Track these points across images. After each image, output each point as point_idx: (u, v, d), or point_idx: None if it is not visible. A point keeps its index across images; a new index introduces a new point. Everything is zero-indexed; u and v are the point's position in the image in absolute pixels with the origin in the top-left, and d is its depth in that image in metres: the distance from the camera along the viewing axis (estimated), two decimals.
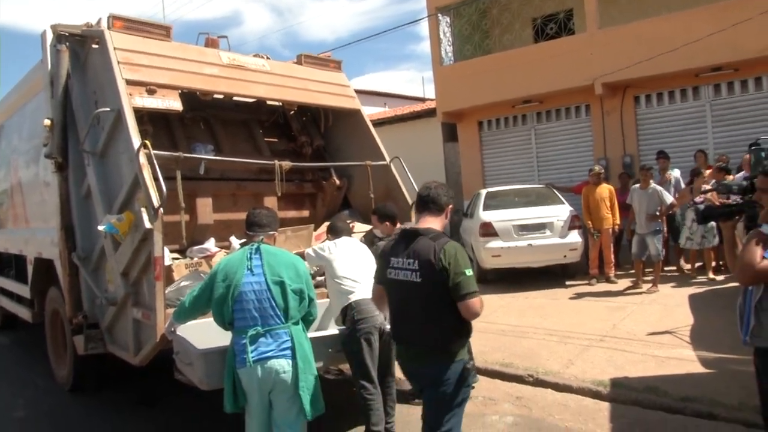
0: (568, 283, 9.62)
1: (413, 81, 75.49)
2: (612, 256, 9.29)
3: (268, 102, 6.35)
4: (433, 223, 3.08)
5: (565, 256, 9.36)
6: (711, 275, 8.74)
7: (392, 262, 3.04)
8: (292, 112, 6.57)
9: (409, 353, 3.05)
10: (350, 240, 4.71)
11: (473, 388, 5.17)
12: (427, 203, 3.10)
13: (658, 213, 8.29)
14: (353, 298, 4.25)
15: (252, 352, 3.33)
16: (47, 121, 5.25)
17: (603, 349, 6.20)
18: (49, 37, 5.34)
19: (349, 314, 4.21)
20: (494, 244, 9.27)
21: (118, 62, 4.66)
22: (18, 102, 6.91)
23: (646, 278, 8.81)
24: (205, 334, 4.22)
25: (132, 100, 4.56)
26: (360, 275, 4.38)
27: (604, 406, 4.96)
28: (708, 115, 11.22)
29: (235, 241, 5.62)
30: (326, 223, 6.02)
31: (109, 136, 4.73)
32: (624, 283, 9.07)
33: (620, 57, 11.02)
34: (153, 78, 4.78)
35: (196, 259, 5.24)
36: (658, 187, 8.36)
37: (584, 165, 12.50)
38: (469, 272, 2.87)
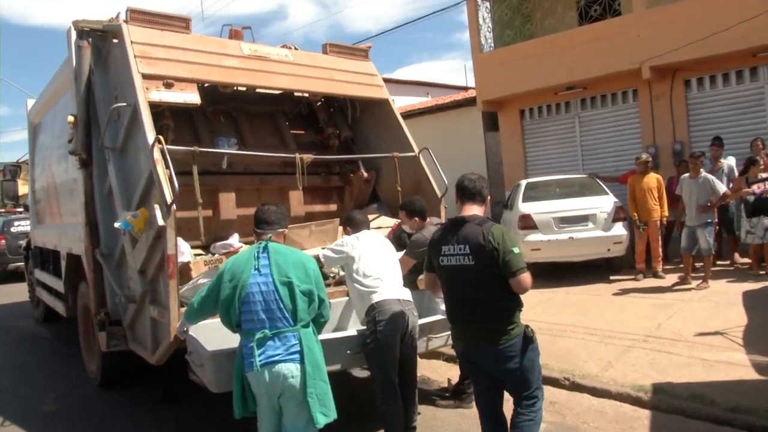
0: (612, 278, 9.18)
1: (457, 70, 74.62)
2: (660, 250, 8.79)
3: (295, 93, 6.19)
4: (478, 211, 3.35)
5: (609, 250, 8.92)
6: None
7: (443, 250, 3.27)
8: (319, 103, 6.40)
9: (471, 334, 3.26)
10: (372, 233, 4.50)
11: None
12: (473, 194, 3.37)
13: (709, 204, 7.78)
14: (376, 298, 4.05)
15: (259, 355, 3.19)
16: (71, 118, 5.24)
17: (646, 351, 5.83)
18: (73, 33, 5.31)
19: (371, 315, 4.01)
20: (534, 237, 8.91)
21: (135, 56, 4.58)
22: (50, 100, 6.99)
23: (696, 274, 8.32)
24: (218, 334, 4.12)
25: (148, 95, 4.47)
26: (384, 273, 4.18)
27: (644, 414, 4.63)
28: (767, 98, 10.51)
29: None
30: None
31: (128, 132, 4.67)
32: (672, 278, 8.58)
33: (669, 38, 10.42)
34: (170, 71, 4.68)
35: (217, 255, 5.15)
36: (710, 176, 7.83)
37: (631, 153, 11.92)
38: (517, 250, 3.16)
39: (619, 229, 8.86)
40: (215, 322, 4.10)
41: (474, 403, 4.96)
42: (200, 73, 4.85)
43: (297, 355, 3.24)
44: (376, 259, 4.23)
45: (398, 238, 5.03)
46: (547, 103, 13.03)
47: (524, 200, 9.41)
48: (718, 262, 8.98)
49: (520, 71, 12.45)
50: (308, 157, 4.97)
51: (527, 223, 8.92)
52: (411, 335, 4.10)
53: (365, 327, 4.07)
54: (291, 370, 3.22)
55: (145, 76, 4.51)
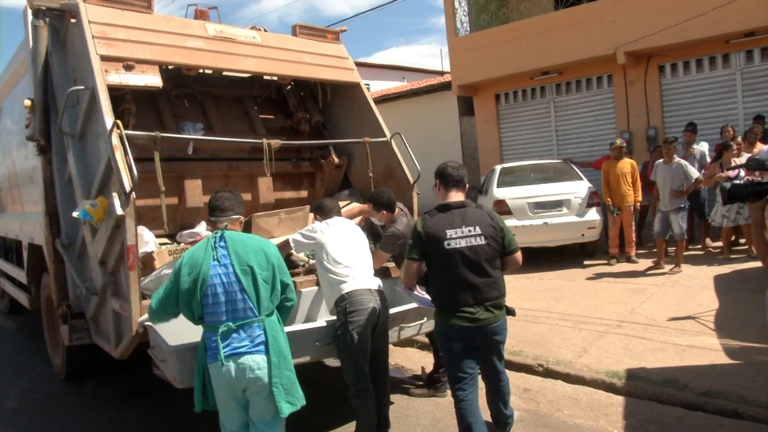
0: (586, 263, 9.21)
1: (434, 55, 74.35)
2: (633, 235, 8.83)
3: (263, 77, 6.00)
4: (463, 198, 3.55)
5: (583, 235, 8.92)
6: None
7: (449, 234, 3.37)
8: (289, 87, 6.21)
9: (475, 313, 3.38)
10: (344, 221, 4.38)
11: None
12: (457, 182, 3.55)
13: (683, 189, 7.81)
14: (347, 288, 3.93)
15: (224, 348, 3.07)
16: (27, 102, 5.00)
17: (619, 336, 5.84)
18: (30, 13, 5.06)
19: (341, 305, 3.90)
20: (508, 222, 8.68)
21: (93, 36, 4.35)
22: (9, 82, 6.68)
23: (668, 258, 8.36)
24: (180, 325, 3.98)
25: (107, 77, 4.25)
26: (355, 261, 4.06)
27: (618, 401, 4.61)
28: (738, 85, 10.58)
29: None
30: (356, 205, 5.73)
31: (87, 117, 4.45)
32: (645, 263, 8.63)
33: (644, 24, 10.45)
34: (131, 53, 4.46)
35: (183, 244, 4.98)
36: (683, 162, 7.85)
37: (606, 138, 11.96)
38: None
39: (593, 215, 8.86)
40: None
41: (447, 392, 5.01)
42: (162, 55, 4.64)
43: (262, 346, 3.14)
44: (347, 247, 4.12)
45: (369, 227, 4.90)
46: (523, 87, 12.98)
47: (499, 185, 9.37)
48: (690, 247, 9.05)
49: (496, 56, 12.37)
50: (276, 142, 4.80)
51: (502, 209, 8.86)
52: (382, 326, 4.01)
53: (335, 317, 3.97)
54: (257, 361, 3.11)
55: (104, 58, 4.30)
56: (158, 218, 4.74)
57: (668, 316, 6.26)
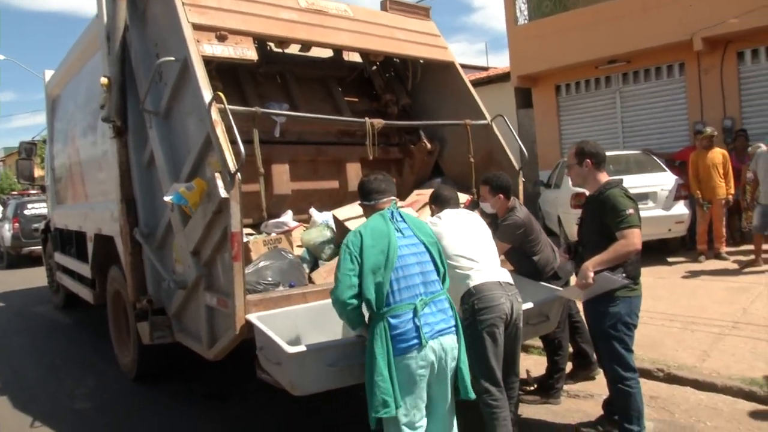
0: (670, 260, 8.59)
1: (464, 54, 73.72)
2: (724, 230, 8.20)
3: (348, 57, 5.56)
4: None
5: (669, 230, 8.31)
6: None
7: None
8: (375, 67, 5.75)
9: None
10: (458, 211, 3.87)
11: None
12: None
13: None
14: (472, 282, 3.44)
15: (425, 326, 2.81)
16: (104, 80, 4.62)
17: (741, 339, 5.26)
18: None
19: (468, 302, 3.40)
20: None
21: (183, 4, 3.95)
22: (74, 66, 6.36)
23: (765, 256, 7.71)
24: (293, 324, 3.57)
25: (200, 48, 3.84)
26: (478, 253, 3.56)
27: (765, 411, 4.05)
28: None
29: (316, 214, 4.92)
30: (417, 192, 5.25)
31: (174, 92, 4.05)
32: (736, 260, 8.00)
33: (723, 7, 9.76)
34: (223, 22, 4.05)
35: (274, 234, 4.57)
36: None
37: (676, 130, 11.34)
38: None
39: (681, 208, 8.26)
40: (287, 311, 3.59)
41: (561, 399, 4.51)
42: (256, 26, 4.21)
43: (453, 326, 2.98)
44: (468, 238, 3.62)
45: None
46: (586, 78, 12.37)
47: None
48: None
49: (558, 44, 11.78)
50: (379, 122, 4.33)
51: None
52: (515, 325, 3.51)
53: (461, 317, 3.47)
54: (454, 342, 2.97)
55: (196, 27, 3.89)
56: (244, 205, 4.31)
57: None
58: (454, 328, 2.98)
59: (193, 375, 5.47)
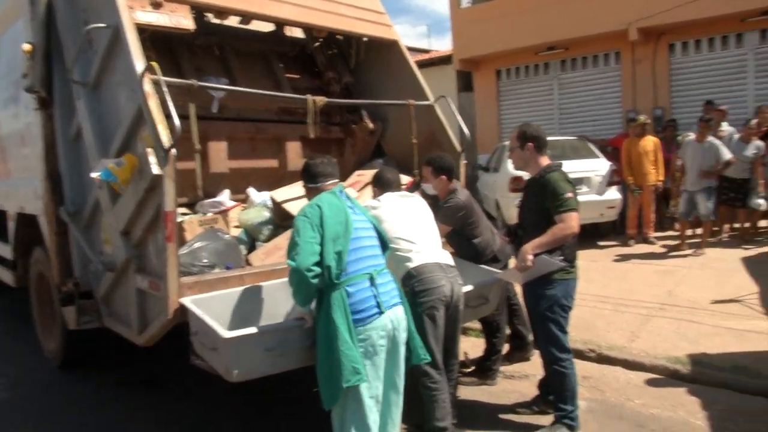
0: (601, 244, 8.88)
1: (406, 36, 73.46)
2: (652, 215, 8.54)
3: (290, 32, 5.39)
4: None
5: (602, 215, 8.58)
6: None
7: None
8: (317, 44, 5.60)
9: None
10: (399, 194, 3.83)
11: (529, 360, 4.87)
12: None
13: (713, 170, 7.49)
14: (412, 264, 3.43)
15: (381, 295, 2.89)
16: (27, 46, 4.31)
17: (667, 320, 5.51)
18: None
19: (408, 284, 3.38)
20: None
21: None
22: None
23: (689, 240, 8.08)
24: (229, 308, 3.45)
25: (133, 15, 3.62)
26: (418, 235, 3.55)
27: (689, 389, 4.27)
28: (751, 65, 10.36)
29: (254, 194, 4.78)
30: (358, 173, 5.18)
31: (105, 62, 3.80)
32: (662, 245, 8.36)
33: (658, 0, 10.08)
34: None
35: (209, 214, 4.40)
36: (716, 141, 7.51)
37: (610, 117, 11.71)
38: None
39: (614, 194, 8.53)
40: (223, 293, 3.47)
41: (498, 380, 4.59)
42: None
43: (401, 299, 3.07)
44: (407, 220, 3.60)
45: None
46: (525, 63, 12.60)
47: None
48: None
49: (500, 29, 11.92)
50: (321, 99, 4.21)
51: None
52: (455, 308, 3.52)
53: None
54: (403, 313, 3.05)
55: None
56: (181, 185, 4.13)
57: (710, 299, 5.95)
58: (401, 301, 3.05)
59: (123, 361, 5.25)
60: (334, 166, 3.26)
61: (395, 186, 3.83)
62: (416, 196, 3.89)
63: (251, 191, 4.79)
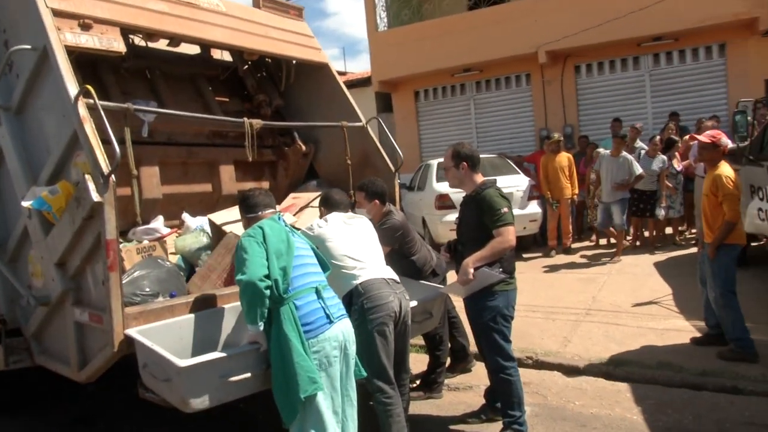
0: (525, 256, 9.24)
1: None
2: (570, 227, 9.02)
3: (218, 55, 5.33)
4: None
5: (525, 228, 8.93)
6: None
7: None
8: (246, 67, 5.56)
9: None
10: (346, 215, 3.86)
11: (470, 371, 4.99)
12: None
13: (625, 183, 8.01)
14: (358, 281, 3.45)
15: (330, 307, 3.00)
16: None
17: (595, 324, 5.82)
18: None
19: (357, 302, 3.41)
20: (452, 216, 8.62)
21: None
22: None
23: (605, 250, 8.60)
24: (177, 337, 3.33)
25: (62, 36, 3.47)
26: (363, 253, 3.58)
27: (623, 387, 4.51)
28: (647, 85, 11.22)
29: (189, 219, 4.65)
30: (293, 195, 5.17)
31: (30, 85, 3.61)
32: (582, 255, 8.84)
33: (564, 24, 10.77)
34: (87, 10, 3.68)
35: (146, 242, 4.25)
36: (629, 156, 8.04)
37: (525, 135, 12.27)
38: None
39: (535, 207, 8.94)
40: (169, 323, 3.35)
41: (444, 393, 4.67)
42: (123, 15, 3.87)
43: (346, 312, 3.17)
44: (353, 239, 3.63)
45: None
46: (443, 85, 12.99)
47: (438, 180, 9.15)
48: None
49: (417, 52, 12.25)
50: (258, 122, 4.19)
51: (445, 203, 8.67)
52: (404, 321, 3.57)
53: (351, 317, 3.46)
54: (350, 325, 3.14)
55: (56, 13, 3.50)
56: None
57: (630, 302, 6.35)
58: (347, 314, 3.17)
59: (57, 400, 4.92)
60: (271, 197, 3.35)
61: (343, 207, 3.87)
62: (362, 217, 3.93)
63: (186, 217, 4.65)
